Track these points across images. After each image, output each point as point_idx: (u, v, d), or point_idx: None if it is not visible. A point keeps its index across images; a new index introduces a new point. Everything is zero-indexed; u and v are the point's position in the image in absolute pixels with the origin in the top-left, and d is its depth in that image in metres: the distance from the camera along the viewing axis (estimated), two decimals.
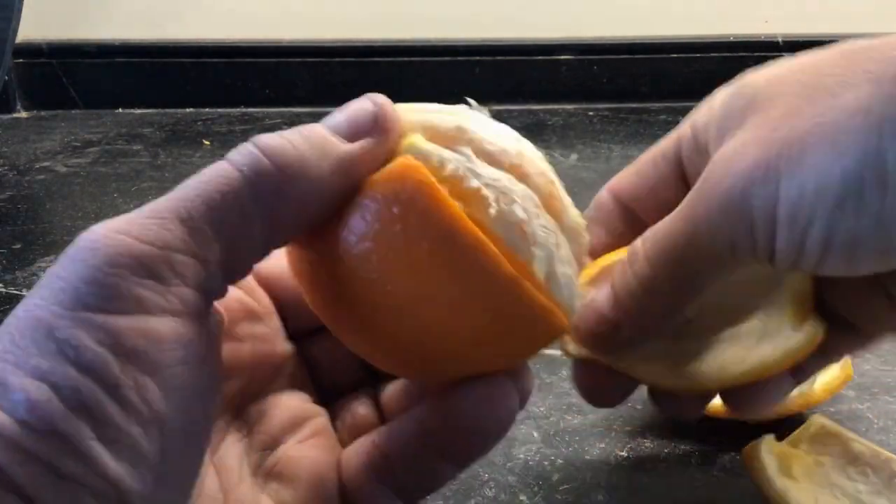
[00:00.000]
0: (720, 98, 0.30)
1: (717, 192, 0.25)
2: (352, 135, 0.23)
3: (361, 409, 0.28)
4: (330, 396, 0.30)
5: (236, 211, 0.21)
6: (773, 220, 0.24)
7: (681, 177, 0.32)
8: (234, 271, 0.22)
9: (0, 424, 0.18)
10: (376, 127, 0.24)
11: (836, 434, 0.44)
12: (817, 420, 0.45)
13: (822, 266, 0.24)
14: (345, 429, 0.28)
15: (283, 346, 0.29)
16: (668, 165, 0.33)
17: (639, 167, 0.34)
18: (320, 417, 0.28)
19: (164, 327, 0.20)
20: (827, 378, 0.47)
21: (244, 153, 0.22)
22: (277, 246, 0.23)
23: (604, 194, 0.34)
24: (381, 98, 0.24)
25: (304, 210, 0.22)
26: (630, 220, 0.33)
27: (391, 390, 0.29)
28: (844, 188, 0.22)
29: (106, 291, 0.19)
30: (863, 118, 0.22)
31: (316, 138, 0.23)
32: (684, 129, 0.32)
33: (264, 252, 0.23)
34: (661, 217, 0.28)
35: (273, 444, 0.27)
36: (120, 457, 0.19)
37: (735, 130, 0.26)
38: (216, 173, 0.21)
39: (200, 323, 0.21)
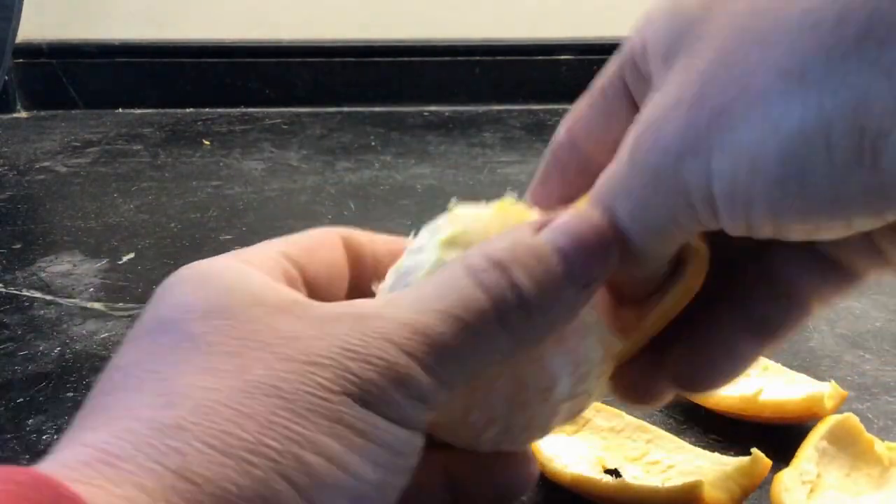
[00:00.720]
0: (657, 15, 0.25)
1: (647, 167, 0.22)
2: (580, 275, 0.24)
3: None
4: None
5: (484, 363, 0.23)
6: (711, 197, 0.21)
7: (631, 105, 0.28)
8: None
9: (285, 499, 0.19)
10: (599, 274, 0.24)
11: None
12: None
13: (781, 236, 0.21)
14: None
15: None
16: (615, 94, 0.28)
17: (590, 99, 0.30)
18: None
19: (408, 439, 0.22)
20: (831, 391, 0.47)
21: (496, 285, 0.23)
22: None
23: (561, 135, 0.30)
24: (604, 231, 0.24)
25: (522, 347, 0.24)
26: (587, 167, 0.29)
27: None
28: (783, 168, 0.19)
29: (388, 401, 0.21)
30: (797, 81, 0.19)
31: (556, 282, 0.23)
32: (625, 50, 0.28)
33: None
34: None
35: None
36: None
37: (666, 71, 0.23)
38: (471, 300, 0.22)
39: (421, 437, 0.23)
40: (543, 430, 0.26)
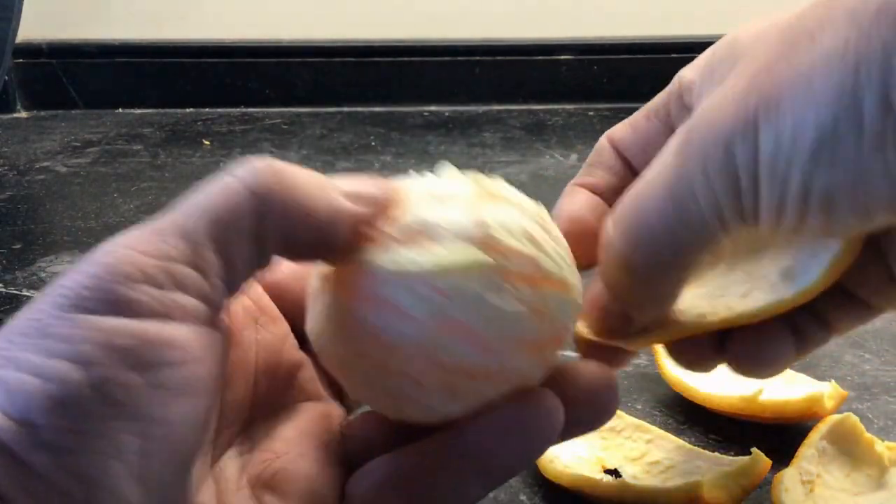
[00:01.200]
0: (706, 53, 0.28)
1: (698, 153, 0.23)
2: (353, 197, 0.24)
3: (374, 425, 0.28)
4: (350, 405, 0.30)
5: (237, 225, 0.22)
6: (757, 178, 0.22)
7: (671, 134, 0.30)
8: (234, 284, 0.23)
9: None
10: (373, 202, 0.24)
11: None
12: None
13: (802, 225, 0.22)
14: (356, 443, 0.28)
15: (294, 354, 0.29)
16: (659, 122, 0.31)
17: (634, 120, 0.32)
18: (329, 433, 0.28)
19: (159, 330, 0.20)
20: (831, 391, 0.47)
21: (251, 170, 0.22)
22: (267, 264, 0.23)
23: (603, 141, 0.33)
24: (383, 184, 0.25)
25: (291, 243, 0.23)
26: (627, 168, 0.32)
27: None
28: (819, 135, 0.20)
29: (103, 295, 0.20)
30: (839, 59, 0.20)
31: (321, 181, 0.23)
32: (674, 84, 0.30)
33: (260, 267, 0.23)
34: None
35: (275, 456, 0.26)
36: (106, 456, 0.19)
37: (716, 87, 0.25)
38: (219, 188, 0.22)
39: (201, 331, 0.22)
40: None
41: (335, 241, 0.23)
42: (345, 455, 0.27)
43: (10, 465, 0.18)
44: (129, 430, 0.19)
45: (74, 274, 0.21)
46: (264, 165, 0.22)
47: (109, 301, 0.20)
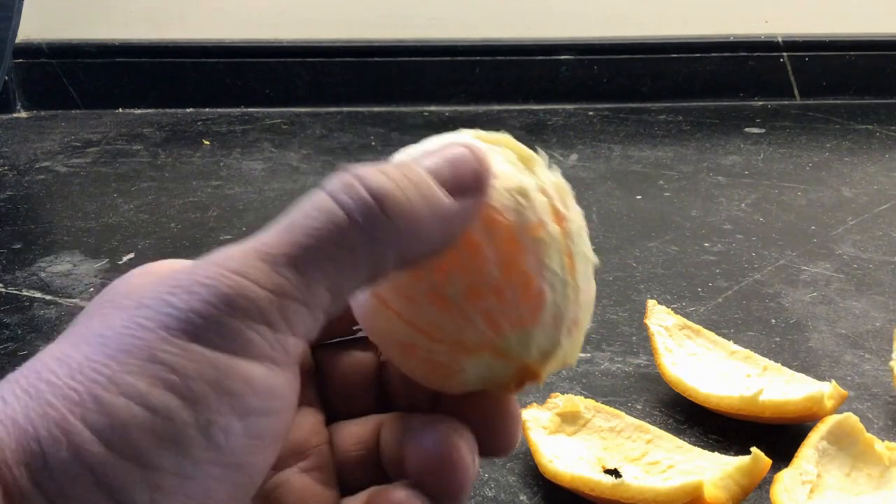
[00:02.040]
0: None
1: None
2: (455, 189, 0.22)
3: (356, 437, 0.27)
4: (336, 415, 0.29)
5: (348, 262, 0.20)
6: None
7: None
8: (332, 315, 0.22)
9: (81, 440, 0.18)
10: (479, 186, 0.22)
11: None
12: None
13: None
14: (340, 455, 0.27)
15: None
16: None
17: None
18: (324, 446, 0.27)
19: (266, 375, 0.20)
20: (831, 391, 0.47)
21: (355, 197, 0.20)
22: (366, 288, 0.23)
23: None
24: (480, 151, 0.23)
25: (405, 261, 0.22)
26: None
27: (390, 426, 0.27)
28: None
29: (219, 329, 0.19)
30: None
31: (424, 188, 0.21)
32: None
33: (358, 293, 0.22)
34: None
35: (277, 466, 0.26)
36: (188, 495, 0.19)
37: None
38: (327, 217, 0.20)
39: (295, 376, 0.21)
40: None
41: (446, 248, 0.22)
42: (339, 476, 0.27)
43: (97, 492, 0.18)
44: (221, 477, 0.19)
45: (182, 293, 0.19)
46: (362, 185, 0.21)
47: (224, 336, 0.19)
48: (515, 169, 0.24)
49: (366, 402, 0.27)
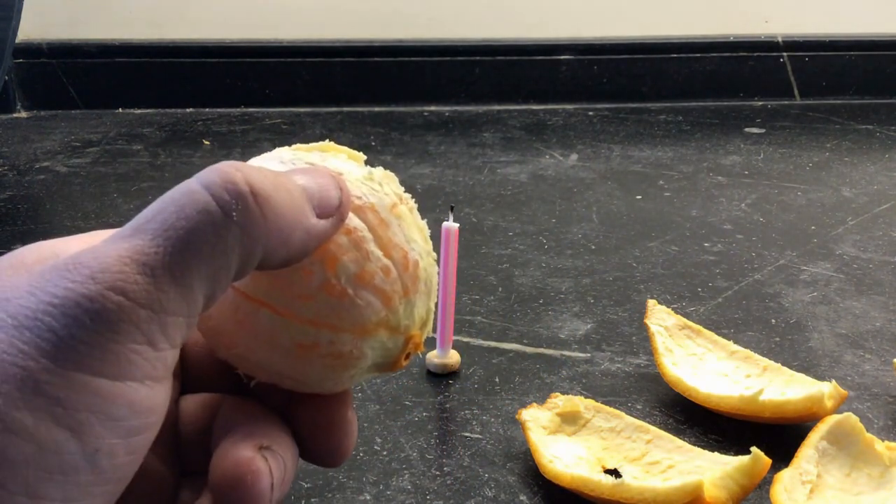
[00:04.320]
0: None
1: None
2: (320, 212, 0.22)
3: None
4: (191, 387, 0.28)
5: (222, 262, 0.20)
6: None
7: None
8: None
9: None
10: (339, 213, 0.23)
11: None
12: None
13: None
14: (182, 431, 0.26)
15: None
16: None
17: None
18: (169, 422, 0.26)
19: (148, 395, 0.20)
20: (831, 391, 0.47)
21: (233, 192, 0.20)
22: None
23: None
24: (343, 182, 0.24)
25: (265, 264, 0.22)
26: None
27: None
28: None
29: (102, 354, 0.19)
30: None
31: (297, 199, 0.22)
32: None
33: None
34: None
35: None
36: None
37: None
38: (203, 217, 0.20)
39: (171, 378, 0.21)
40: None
41: (298, 261, 0.22)
42: (178, 452, 0.26)
43: None
44: (101, 493, 0.19)
45: (60, 314, 0.19)
46: (244, 180, 0.20)
47: (106, 361, 0.19)
48: (355, 165, 0.26)
49: (219, 381, 0.27)
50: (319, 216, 0.22)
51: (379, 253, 0.24)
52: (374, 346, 0.24)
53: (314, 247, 0.22)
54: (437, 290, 0.27)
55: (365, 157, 0.27)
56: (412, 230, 0.25)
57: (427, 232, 0.26)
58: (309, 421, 0.25)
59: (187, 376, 0.27)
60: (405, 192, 0.26)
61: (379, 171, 0.25)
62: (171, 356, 0.20)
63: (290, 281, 0.23)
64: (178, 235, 0.20)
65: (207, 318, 0.24)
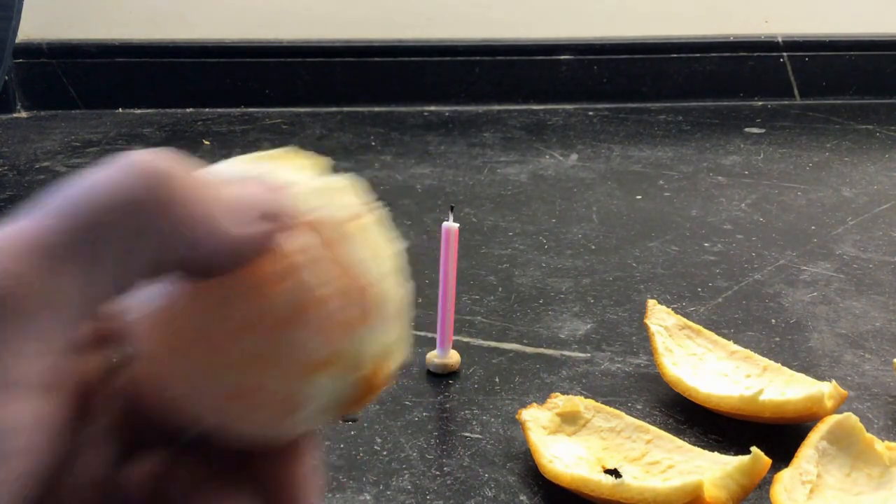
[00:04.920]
0: None
1: None
2: (250, 221, 0.20)
3: None
4: None
5: (134, 247, 0.18)
6: None
7: None
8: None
9: None
10: (273, 226, 0.20)
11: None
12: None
13: None
14: None
15: None
16: None
17: None
18: None
19: (20, 408, 0.16)
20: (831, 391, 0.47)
21: (150, 173, 0.18)
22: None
23: None
24: (286, 193, 0.21)
25: (188, 266, 0.19)
26: None
27: None
28: None
29: None
30: None
31: (223, 203, 0.19)
32: None
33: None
34: None
35: None
36: None
37: None
38: (116, 195, 0.17)
39: (70, 399, 0.18)
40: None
41: (222, 272, 0.20)
42: None
43: None
44: None
45: None
46: (155, 163, 0.18)
47: None
48: (310, 175, 0.23)
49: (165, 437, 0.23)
50: (250, 226, 0.19)
51: (327, 276, 0.20)
52: (322, 387, 0.21)
53: (240, 258, 0.20)
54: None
55: (332, 165, 0.23)
56: (373, 248, 0.22)
57: (395, 248, 0.22)
58: (264, 477, 0.21)
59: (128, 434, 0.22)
60: (377, 200, 0.22)
61: (338, 181, 0.22)
62: (65, 359, 0.17)
63: (222, 313, 0.20)
64: (83, 212, 0.17)
65: (142, 359, 0.21)
